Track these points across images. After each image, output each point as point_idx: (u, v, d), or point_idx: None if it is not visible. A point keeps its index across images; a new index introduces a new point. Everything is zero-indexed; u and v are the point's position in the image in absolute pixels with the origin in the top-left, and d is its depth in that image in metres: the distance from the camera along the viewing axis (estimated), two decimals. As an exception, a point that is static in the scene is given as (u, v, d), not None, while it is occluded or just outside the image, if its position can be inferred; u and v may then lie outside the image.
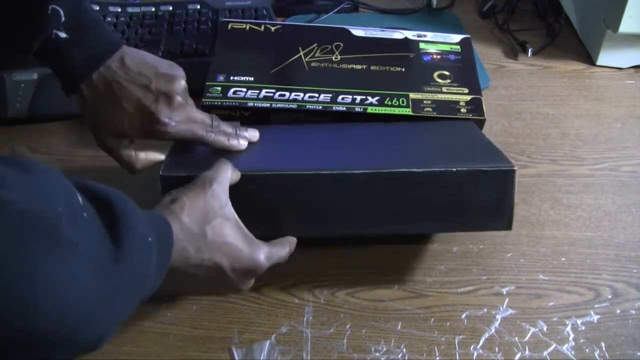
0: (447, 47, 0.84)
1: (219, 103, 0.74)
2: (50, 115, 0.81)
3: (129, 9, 0.96)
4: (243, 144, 0.63)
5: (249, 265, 0.53)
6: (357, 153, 0.62)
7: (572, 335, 0.59)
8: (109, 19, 0.93)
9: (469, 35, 0.86)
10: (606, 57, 0.93)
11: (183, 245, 0.50)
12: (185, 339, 0.58)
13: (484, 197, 0.59)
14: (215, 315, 0.60)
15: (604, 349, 0.58)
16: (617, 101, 0.87)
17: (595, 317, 0.60)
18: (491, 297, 0.62)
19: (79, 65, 0.59)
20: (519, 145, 0.80)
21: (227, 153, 0.62)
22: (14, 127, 0.81)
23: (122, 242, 0.41)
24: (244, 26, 0.85)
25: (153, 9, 0.96)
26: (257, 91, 0.76)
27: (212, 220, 0.52)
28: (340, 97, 0.76)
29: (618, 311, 0.61)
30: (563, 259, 0.66)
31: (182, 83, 0.61)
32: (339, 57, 0.81)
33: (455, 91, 0.77)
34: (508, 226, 0.59)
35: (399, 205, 0.59)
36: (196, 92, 0.77)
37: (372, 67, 0.80)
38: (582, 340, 0.58)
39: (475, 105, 0.76)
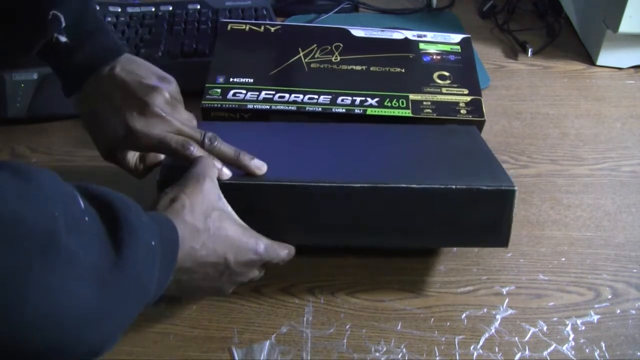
0: (447, 48, 0.84)
1: (219, 105, 0.74)
2: (50, 115, 0.81)
3: (129, 9, 0.96)
4: (228, 174, 0.57)
5: (250, 256, 0.54)
6: (356, 162, 0.62)
7: (572, 335, 0.59)
8: (109, 18, 0.93)
9: (469, 36, 0.86)
10: (606, 57, 0.93)
11: (190, 245, 0.50)
12: (185, 338, 0.58)
13: (482, 215, 0.58)
14: (215, 315, 0.60)
15: (604, 349, 0.58)
16: (617, 101, 0.87)
17: (595, 317, 0.60)
18: (491, 297, 0.62)
19: (75, 71, 0.59)
20: (519, 145, 0.80)
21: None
22: (14, 127, 0.81)
23: (122, 247, 0.41)
24: (244, 27, 0.85)
25: (153, 9, 0.96)
26: (257, 93, 0.76)
27: (211, 214, 0.52)
28: (340, 98, 0.76)
29: (618, 311, 0.61)
30: (563, 259, 0.66)
31: (163, 95, 0.58)
32: (338, 57, 0.81)
33: (455, 92, 0.77)
34: (505, 243, 0.60)
35: (396, 218, 0.59)
36: (196, 92, 0.78)
37: (371, 68, 0.80)
38: (582, 340, 0.58)
39: (475, 107, 0.76)
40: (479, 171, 0.60)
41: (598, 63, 0.93)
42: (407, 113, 0.74)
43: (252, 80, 0.77)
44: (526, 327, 0.59)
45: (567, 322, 0.60)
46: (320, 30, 0.87)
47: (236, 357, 0.57)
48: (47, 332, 0.36)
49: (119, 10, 0.95)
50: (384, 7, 1.05)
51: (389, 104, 0.75)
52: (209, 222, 0.51)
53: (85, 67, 0.59)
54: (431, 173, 0.59)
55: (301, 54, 0.81)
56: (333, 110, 0.74)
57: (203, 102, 0.75)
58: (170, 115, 0.58)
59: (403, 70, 0.80)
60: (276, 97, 0.75)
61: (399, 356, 0.57)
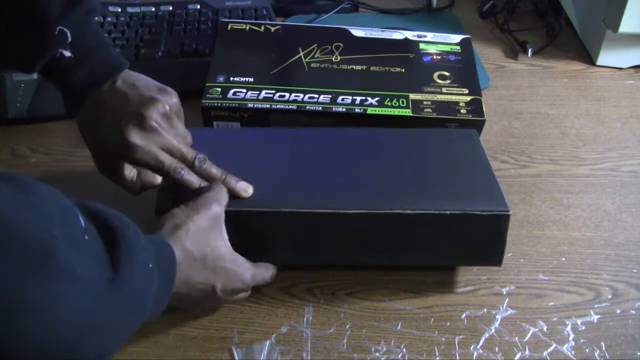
0: (447, 48, 0.84)
1: (219, 104, 0.74)
2: (51, 116, 0.81)
3: (129, 9, 0.96)
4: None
5: (237, 285, 0.56)
6: (350, 180, 0.61)
7: (572, 335, 0.59)
8: (109, 18, 0.93)
9: (469, 36, 0.86)
10: (606, 57, 0.93)
11: (186, 273, 0.51)
12: (185, 339, 0.58)
13: (476, 237, 0.59)
14: (216, 316, 0.60)
15: (604, 348, 0.58)
16: (617, 101, 0.87)
17: (595, 317, 0.60)
18: (491, 297, 0.62)
19: (78, 87, 0.59)
20: (519, 145, 0.80)
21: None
22: (14, 127, 0.81)
23: (120, 266, 0.41)
24: (244, 27, 0.85)
25: (153, 9, 0.96)
26: (257, 92, 0.76)
27: (211, 244, 0.53)
28: (340, 97, 0.76)
29: (618, 311, 0.61)
30: (563, 259, 0.66)
31: (161, 107, 0.57)
32: (338, 57, 0.81)
33: (455, 92, 0.77)
34: (498, 264, 0.61)
35: (391, 239, 0.60)
36: (196, 92, 0.78)
37: (372, 68, 0.80)
38: (582, 340, 0.58)
39: (475, 106, 0.76)
40: (475, 191, 0.60)
41: (598, 63, 0.93)
42: (407, 112, 0.74)
43: (252, 80, 0.77)
44: (526, 327, 0.60)
45: (567, 322, 0.60)
46: (321, 30, 0.87)
47: (236, 357, 0.57)
48: (41, 344, 0.36)
49: (119, 10, 0.95)
50: (384, 7, 1.05)
51: (389, 104, 0.75)
52: (208, 252, 0.53)
53: (88, 83, 0.58)
54: (426, 195, 0.59)
55: (301, 54, 0.81)
56: (333, 109, 0.74)
57: (203, 101, 0.75)
58: (166, 130, 0.57)
59: (403, 70, 0.80)
60: (276, 96, 0.75)
61: (399, 356, 0.57)
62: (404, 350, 0.58)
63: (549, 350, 0.58)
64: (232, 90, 0.76)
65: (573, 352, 0.57)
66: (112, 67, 0.59)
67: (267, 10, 0.97)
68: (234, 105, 0.74)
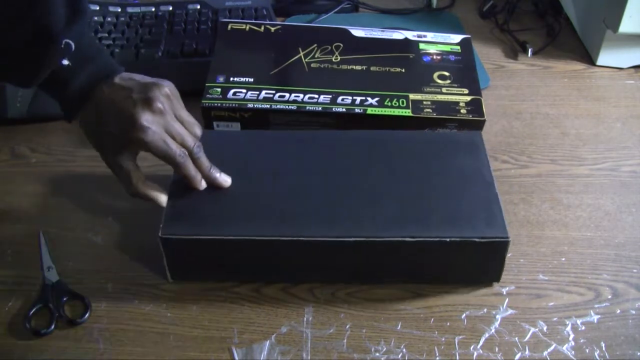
0: (447, 48, 0.84)
1: (219, 104, 0.74)
2: (50, 115, 0.81)
3: (129, 9, 0.96)
4: (203, 185, 0.61)
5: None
6: (350, 204, 0.61)
7: (572, 335, 0.59)
8: (109, 18, 0.93)
9: (469, 36, 0.86)
10: (606, 57, 0.93)
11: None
12: (185, 339, 0.58)
13: (475, 260, 0.60)
14: (215, 315, 0.60)
15: (604, 348, 0.58)
16: (617, 101, 0.87)
17: (595, 317, 0.60)
18: (491, 297, 0.62)
19: (77, 94, 0.59)
20: (519, 145, 0.80)
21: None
22: (14, 127, 0.81)
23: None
24: (244, 27, 0.85)
25: (153, 9, 0.96)
26: (257, 92, 0.76)
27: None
28: (340, 98, 0.76)
29: (618, 311, 0.61)
30: (563, 259, 0.66)
31: (165, 90, 0.59)
32: (338, 57, 0.81)
33: (455, 92, 0.77)
34: (496, 281, 0.63)
35: (389, 262, 0.61)
36: (196, 92, 0.78)
37: (372, 68, 0.80)
38: (582, 340, 0.58)
39: (475, 106, 0.76)
40: (475, 214, 0.60)
41: (598, 63, 0.93)
42: (408, 112, 0.74)
43: (252, 80, 0.77)
44: (526, 327, 0.60)
45: (567, 322, 0.60)
46: (321, 30, 0.87)
47: (236, 357, 0.57)
48: None
49: (119, 10, 0.95)
50: (384, 7, 1.05)
51: (389, 104, 0.75)
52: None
53: (87, 88, 0.59)
54: (427, 218, 0.59)
55: (301, 54, 0.81)
56: (333, 109, 0.74)
57: (203, 101, 0.75)
58: (169, 112, 0.59)
59: (403, 70, 0.80)
60: (276, 97, 0.75)
61: (399, 356, 0.57)
62: (404, 350, 0.58)
63: (549, 350, 0.58)
64: (232, 91, 0.76)
65: (573, 352, 0.57)
66: (110, 69, 0.60)
67: (267, 10, 0.97)
68: (234, 105, 0.74)
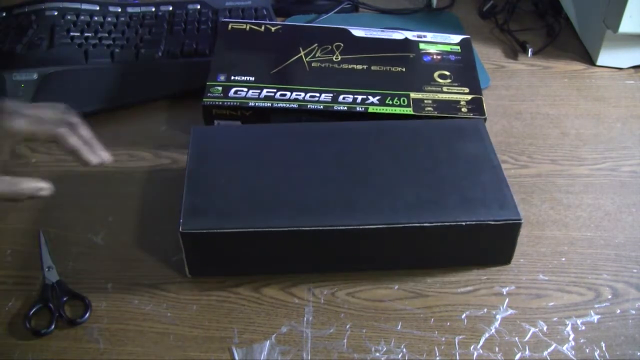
0: (447, 48, 0.84)
1: (220, 103, 0.75)
2: (51, 115, 0.81)
3: (129, 9, 0.96)
4: (93, 160, 0.61)
5: None
6: (361, 192, 0.62)
7: (572, 335, 0.59)
8: (109, 18, 0.93)
9: (468, 36, 0.86)
10: (606, 57, 0.93)
11: None
12: (185, 339, 0.58)
13: (488, 242, 0.62)
14: (216, 315, 0.60)
15: (604, 348, 0.58)
16: (617, 101, 0.87)
17: (596, 317, 0.60)
18: (491, 297, 0.62)
19: None
20: (519, 145, 0.80)
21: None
22: (14, 127, 0.81)
23: None
24: (244, 26, 0.86)
25: (153, 9, 0.96)
26: (258, 91, 0.76)
27: None
28: (341, 96, 0.76)
29: (618, 311, 0.61)
30: (563, 259, 0.66)
31: (9, 102, 0.58)
32: (339, 57, 0.81)
33: (455, 91, 0.78)
34: (507, 262, 0.64)
35: (403, 248, 0.62)
36: (197, 92, 0.78)
37: (372, 67, 0.80)
38: (582, 340, 0.58)
39: (476, 105, 0.76)
40: (487, 197, 0.61)
41: (598, 63, 0.93)
42: (409, 111, 0.74)
43: (253, 79, 0.77)
44: (526, 327, 0.59)
45: (567, 322, 0.60)
46: (321, 30, 0.87)
47: (236, 357, 0.57)
48: None
49: (119, 10, 0.95)
50: (384, 7, 1.05)
51: (391, 102, 0.75)
52: None
53: None
54: (440, 204, 0.61)
55: (302, 53, 0.82)
56: (334, 108, 0.74)
57: (204, 99, 0.75)
58: (25, 108, 0.58)
59: (404, 70, 0.80)
60: (277, 95, 0.76)
61: (399, 356, 0.57)
62: (404, 350, 0.58)
63: (549, 350, 0.58)
64: (233, 89, 0.76)
65: (573, 352, 0.57)
66: None
67: (267, 11, 0.97)
68: (235, 104, 0.74)
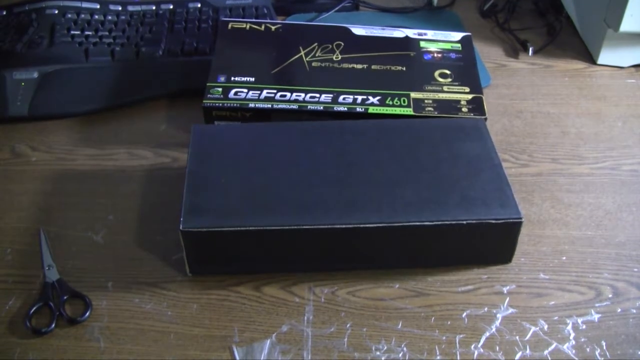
0: (448, 46, 0.84)
1: (220, 104, 0.74)
2: (51, 114, 0.81)
3: (130, 8, 0.95)
4: None
5: None
6: (361, 188, 0.62)
7: (572, 334, 0.59)
8: (110, 17, 0.93)
9: (469, 34, 0.86)
10: (607, 56, 0.93)
11: None
12: (185, 337, 0.58)
13: (489, 241, 0.62)
14: (216, 314, 0.60)
15: (604, 347, 0.58)
16: (618, 100, 0.87)
17: (596, 316, 0.60)
18: (492, 296, 0.62)
19: None
20: (519, 144, 0.80)
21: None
22: (15, 125, 0.81)
23: None
24: (244, 26, 0.85)
25: (154, 8, 0.96)
26: (258, 92, 0.76)
27: None
28: (342, 97, 0.76)
29: (619, 310, 0.61)
30: (564, 258, 0.66)
31: None
32: (339, 56, 0.81)
33: (456, 90, 0.77)
34: (508, 261, 0.64)
35: (403, 247, 0.62)
36: (197, 91, 0.78)
37: (373, 67, 0.80)
38: (582, 339, 0.58)
39: (477, 104, 0.76)
40: (488, 196, 0.61)
41: (599, 62, 0.93)
42: (409, 111, 0.74)
43: (253, 79, 0.77)
44: (527, 326, 0.59)
45: (568, 321, 0.60)
46: (321, 28, 0.87)
47: (237, 356, 0.57)
48: None
49: (120, 8, 0.95)
50: (385, 6, 1.05)
51: (391, 103, 0.75)
52: None
53: None
54: (441, 202, 0.61)
55: (302, 53, 0.81)
56: (335, 108, 0.74)
57: (204, 101, 0.75)
58: None
59: (404, 69, 0.80)
60: (278, 96, 0.75)
61: (400, 355, 0.57)
62: (405, 349, 0.58)
63: (549, 349, 0.58)
64: (234, 90, 0.76)
65: (574, 351, 0.57)
66: None
67: (267, 9, 0.96)
68: (235, 105, 0.74)
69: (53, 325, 0.58)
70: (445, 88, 0.78)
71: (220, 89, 0.76)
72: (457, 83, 0.78)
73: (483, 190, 0.62)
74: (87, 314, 0.59)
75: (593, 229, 0.69)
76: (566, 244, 0.67)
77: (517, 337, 0.58)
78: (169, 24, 0.93)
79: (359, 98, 0.76)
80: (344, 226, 0.59)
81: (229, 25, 0.85)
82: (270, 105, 0.74)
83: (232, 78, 0.77)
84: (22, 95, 0.81)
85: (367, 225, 0.59)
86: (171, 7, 0.96)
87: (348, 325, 0.59)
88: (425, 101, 0.76)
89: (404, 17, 1.03)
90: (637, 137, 0.81)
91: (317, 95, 0.76)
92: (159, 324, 0.59)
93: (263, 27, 0.85)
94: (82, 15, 0.92)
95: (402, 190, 0.62)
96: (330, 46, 0.83)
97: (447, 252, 0.63)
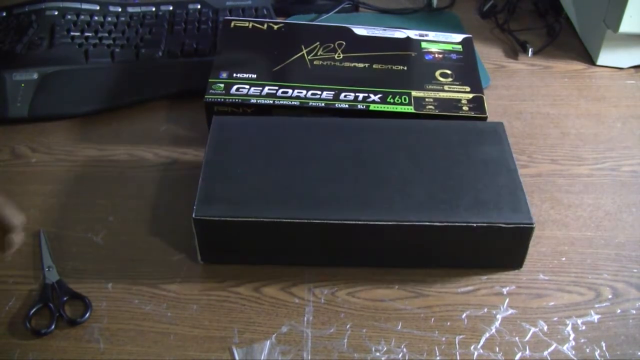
0: (448, 47, 0.84)
1: (222, 100, 0.75)
2: (51, 115, 0.81)
3: (130, 9, 0.95)
4: None
5: None
6: (374, 185, 0.62)
7: (572, 335, 0.59)
8: (110, 18, 0.93)
9: (470, 35, 0.87)
10: (606, 57, 0.93)
11: None
12: (185, 338, 0.58)
13: (500, 245, 0.62)
14: (216, 315, 0.60)
15: (604, 348, 0.58)
16: (618, 101, 0.87)
17: (596, 317, 0.60)
18: (491, 296, 0.62)
19: None
20: (519, 145, 0.80)
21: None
22: (15, 126, 0.81)
23: None
24: (247, 24, 0.86)
25: (153, 9, 0.96)
26: (260, 88, 0.76)
27: None
28: (343, 94, 0.76)
29: (618, 311, 0.61)
30: (563, 259, 0.66)
31: None
32: (341, 55, 0.81)
33: (457, 89, 0.78)
34: (518, 267, 0.64)
35: (414, 247, 0.62)
36: (197, 91, 0.78)
37: (374, 66, 0.80)
38: (582, 340, 0.58)
39: (477, 104, 0.76)
40: (501, 200, 0.61)
41: (598, 63, 0.93)
42: (410, 109, 0.74)
43: (255, 76, 0.78)
44: (526, 327, 0.59)
45: (568, 322, 0.60)
46: (323, 28, 0.87)
47: (237, 357, 0.57)
48: None
49: (119, 10, 0.95)
50: (385, 7, 1.05)
51: (392, 101, 0.75)
52: None
53: None
54: (453, 204, 0.61)
55: (304, 51, 0.82)
56: (336, 105, 0.75)
57: (206, 96, 0.75)
58: None
59: (405, 68, 0.80)
60: (279, 93, 0.76)
61: (400, 356, 0.57)
62: (405, 350, 0.58)
63: (549, 350, 0.58)
64: (235, 86, 0.76)
65: (573, 352, 0.57)
66: None
67: (267, 10, 0.97)
68: (237, 101, 0.75)
69: (53, 326, 0.58)
70: (446, 87, 0.78)
71: (222, 85, 0.76)
72: (457, 83, 0.78)
73: (497, 194, 0.62)
74: (87, 315, 0.59)
75: (593, 229, 0.69)
76: (566, 244, 0.67)
77: (517, 338, 0.58)
78: (168, 25, 0.93)
79: (360, 96, 0.76)
80: (353, 223, 0.59)
81: (232, 24, 0.85)
82: (271, 102, 0.75)
83: (234, 75, 0.78)
84: (22, 97, 0.81)
85: (378, 223, 0.59)
86: (171, 8, 0.96)
87: (348, 326, 0.59)
88: (426, 99, 0.76)
89: (404, 18, 1.03)
90: (636, 138, 0.81)
91: (319, 92, 0.76)
92: (159, 325, 0.59)
93: (265, 25, 0.86)
94: (82, 17, 0.92)
95: (415, 190, 0.62)
96: (332, 45, 0.83)
97: (457, 254, 0.63)
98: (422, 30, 0.87)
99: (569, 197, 0.73)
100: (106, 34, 0.90)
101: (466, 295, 0.62)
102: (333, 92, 0.76)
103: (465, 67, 0.81)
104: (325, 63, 0.80)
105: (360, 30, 0.86)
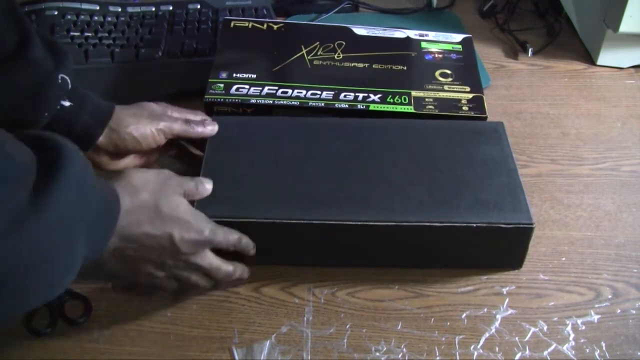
0: (448, 47, 0.84)
1: (222, 100, 0.75)
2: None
3: (129, 9, 0.95)
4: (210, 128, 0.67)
5: (193, 236, 0.54)
6: (374, 188, 0.62)
7: (572, 335, 0.59)
8: (109, 18, 0.93)
9: (470, 35, 0.87)
10: (606, 57, 0.93)
11: (137, 218, 0.51)
12: (185, 338, 0.58)
13: (500, 245, 0.62)
14: (216, 315, 0.60)
15: (604, 348, 0.58)
16: (618, 101, 0.87)
17: (596, 317, 0.60)
18: (491, 296, 0.62)
19: (85, 132, 0.61)
20: (519, 145, 0.80)
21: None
22: (14, 126, 0.80)
23: (50, 189, 0.41)
24: (247, 24, 0.86)
25: (153, 9, 0.96)
26: (260, 88, 0.76)
27: (167, 193, 0.54)
28: (343, 94, 0.76)
29: (618, 311, 0.61)
30: (563, 259, 0.66)
31: (155, 105, 0.67)
32: (341, 55, 0.81)
33: (457, 89, 0.78)
34: (518, 267, 0.64)
35: (413, 246, 0.62)
36: (197, 91, 0.78)
37: (374, 66, 0.80)
38: (582, 340, 0.58)
39: (477, 104, 0.76)
40: (501, 200, 0.61)
41: (598, 63, 0.93)
42: (410, 109, 0.74)
43: (255, 76, 0.78)
44: (526, 327, 0.59)
45: (568, 322, 0.60)
46: (323, 28, 0.87)
47: (236, 357, 0.57)
48: None
49: (119, 10, 0.95)
50: (385, 7, 1.05)
51: (392, 100, 0.75)
52: (163, 199, 0.53)
53: (95, 127, 0.62)
54: (453, 204, 0.61)
55: (304, 51, 0.82)
56: (336, 105, 0.75)
57: (206, 96, 0.75)
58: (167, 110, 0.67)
59: (405, 68, 0.80)
60: (279, 93, 0.76)
61: (399, 356, 0.57)
62: (404, 350, 0.58)
63: (549, 350, 0.58)
64: (235, 86, 0.76)
65: (573, 352, 0.57)
66: (105, 107, 0.63)
67: (267, 10, 0.97)
68: (237, 100, 0.75)
69: (53, 326, 0.58)
70: (446, 87, 0.78)
71: (222, 85, 0.76)
72: (457, 82, 0.78)
73: (497, 194, 0.62)
74: (87, 315, 0.59)
75: (592, 229, 0.69)
76: (566, 244, 0.67)
77: (517, 338, 0.58)
78: (168, 25, 0.93)
79: (360, 95, 0.76)
80: (353, 223, 0.59)
81: (232, 24, 0.85)
82: (271, 102, 0.75)
83: (234, 75, 0.78)
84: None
85: (377, 223, 0.59)
86: (171, 8, 0.96)
87: (347, 326, 0.59)
88: (426, 99, 0.76)
89: (404, 18, 1.03)
90: (636, 138, 0.81)
91: (319, 92, 0.76)
92: (159, 325, 0.59)
93: (265, 25, 0.86)
94: (82, 17, 0.92)
95: (415, 190, 0.62)
96: (332, 45, 0.83)
97: (458, 254, 0.63)
98: (422, 30, 0.87)
99: (569, 197, 0.73)
100: (106, 34, 0.90)
101: (466, 295, 0.62)
102: (333, 92, 0.76)
103: (465, 67, 0.81)
104: (325, 63, 0.80)
105: (360, 30, 0.86)
